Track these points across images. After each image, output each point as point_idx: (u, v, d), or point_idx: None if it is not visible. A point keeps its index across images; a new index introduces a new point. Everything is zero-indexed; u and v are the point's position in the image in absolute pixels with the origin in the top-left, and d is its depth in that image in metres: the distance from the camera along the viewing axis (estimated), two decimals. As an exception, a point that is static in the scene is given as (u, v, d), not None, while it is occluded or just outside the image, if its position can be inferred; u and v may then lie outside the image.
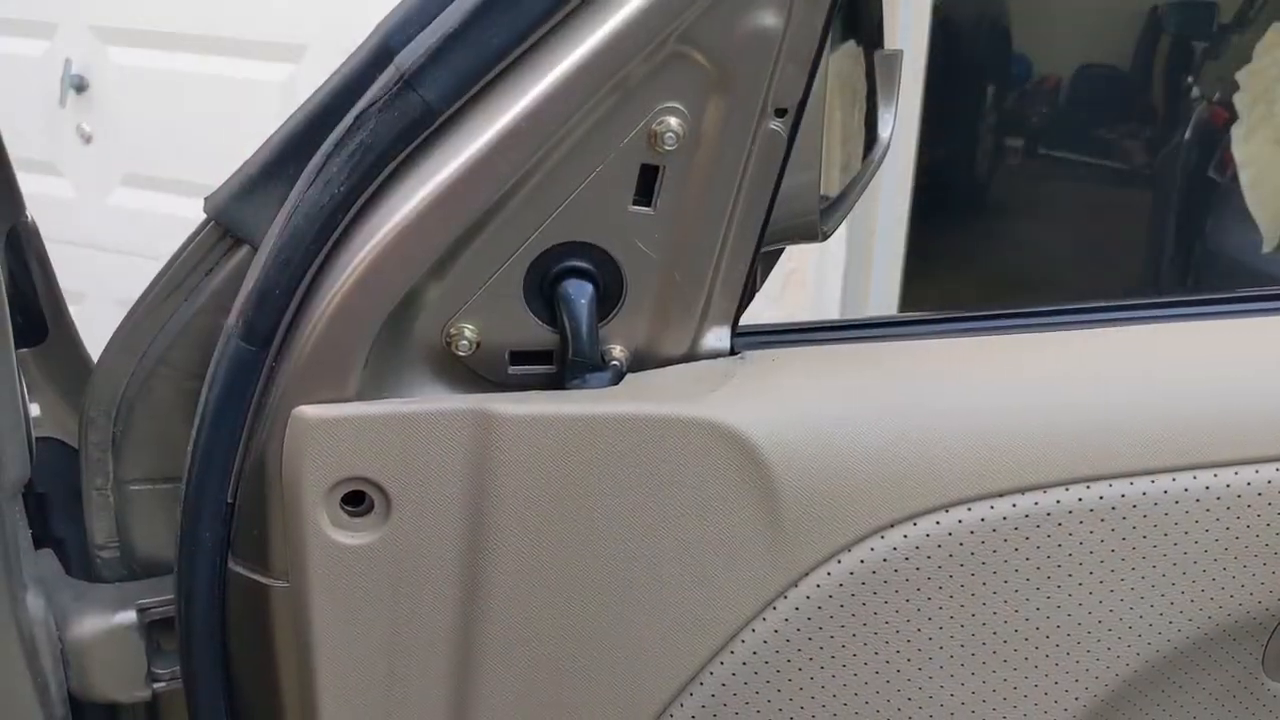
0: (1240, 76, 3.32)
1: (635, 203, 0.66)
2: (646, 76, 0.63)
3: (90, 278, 2.93)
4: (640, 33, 0.61)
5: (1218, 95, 3.49)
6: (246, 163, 0.67)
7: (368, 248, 0.63)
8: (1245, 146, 3.14)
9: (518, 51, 0.61)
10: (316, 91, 0.65)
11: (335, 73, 0.65)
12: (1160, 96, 5.76)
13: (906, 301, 2.97)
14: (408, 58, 0.62)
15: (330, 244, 0.64)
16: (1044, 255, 5.19)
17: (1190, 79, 4.55)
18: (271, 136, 0.66)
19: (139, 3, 2.81)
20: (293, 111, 0.66)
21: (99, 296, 2.96)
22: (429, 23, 0.62)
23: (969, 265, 4.97)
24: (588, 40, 0.61)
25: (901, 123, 2.67)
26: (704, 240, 0.68)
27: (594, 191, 0.65)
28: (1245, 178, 3.09)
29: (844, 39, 0.83)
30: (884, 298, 2.84)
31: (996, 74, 5.85)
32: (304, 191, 0.64)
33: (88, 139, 2.96)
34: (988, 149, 5.93)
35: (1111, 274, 4.68)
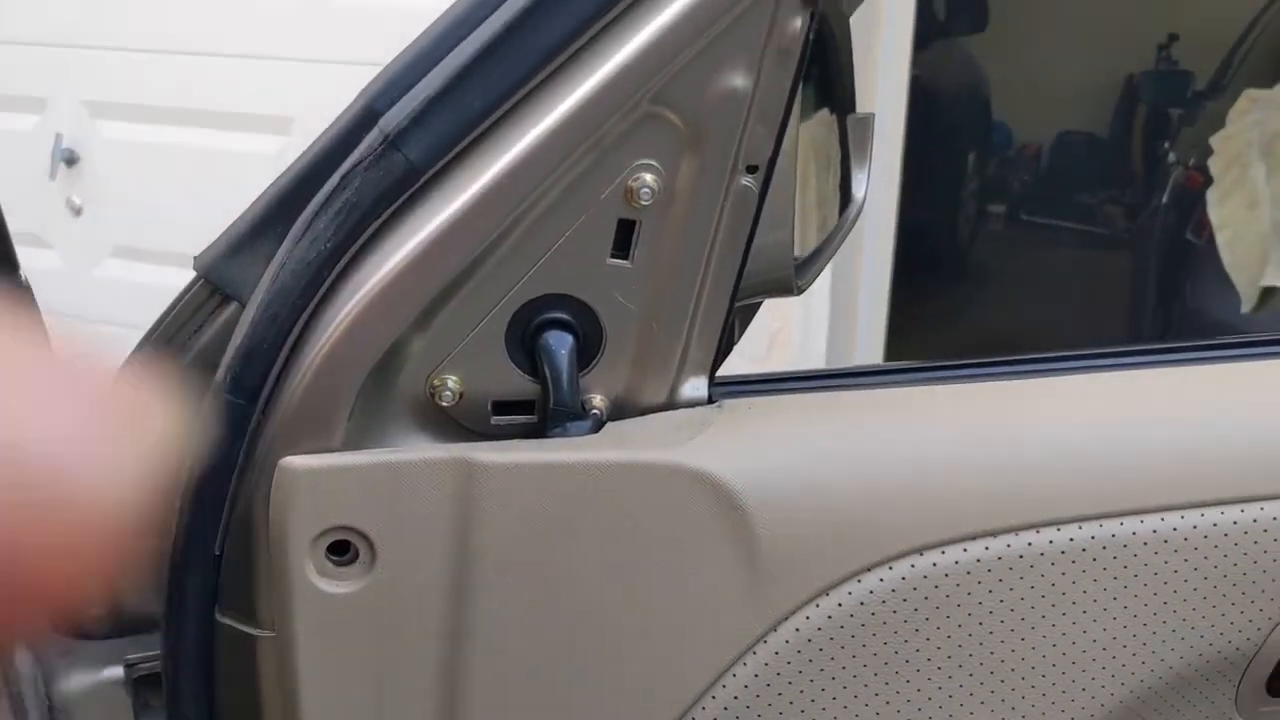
0: (1214, 141, 3.39)
1: (613, 256, 0.68)
2: (622, 135, 0.65)
3: (79, 349, 2.94)
4: (615, 94, 0.63)
5: (1193, 160, 3.55)
6: (235, 222, 0.69)
7: (353, 302, 0.65)
8: (1220, 210, 3.20)
9: (498, 113, 0.64)
10: (304, 153, 0.67)
11: (322, 135, 0.67)
12: (1139, 162, 5.85)
13: (891, 361, 2.99)
14: (392, 120, 0.64)
15: (317, 299, 0.66)
16: (1027, 317, 5.23)
17: (1167, 145, 4.63)
18: (260, 196, 0.68)
19: (129, 77, 2.86)
20: (281, 172, 0.68)
21: (87, 367, 2.97)
22: (412, 86, 0.65)
23: (952, 327, 5.01)
24: (565, 101, 0.63)
25: (882, 191, 2.72)
26: (680, 291, 0.70)
27: (573, 245, 0.67)
28: (1221, 240, 3.14)
29: (817, 108, 0.86)
30: (869, 358, 2.87)
31: (976, 142, 5.93)
32: (291, 249, 0.66)
33: (77, 211, 2.99)
34: (969, 215, 6.00)
35: (1094, 333, 4.72)
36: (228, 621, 0.70)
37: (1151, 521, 0.71)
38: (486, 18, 0.64)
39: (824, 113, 0.87)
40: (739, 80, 0.65)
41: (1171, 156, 4.02)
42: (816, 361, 2.67)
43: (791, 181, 0.74)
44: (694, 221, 0.68)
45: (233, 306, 0.70)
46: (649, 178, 0.66)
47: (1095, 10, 5.92)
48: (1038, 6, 6.08)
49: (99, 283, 3.01)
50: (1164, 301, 3.59)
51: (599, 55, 0.63)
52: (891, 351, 3.00)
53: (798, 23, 0.64)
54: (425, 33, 0.66)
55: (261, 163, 2.71)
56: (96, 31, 2.88)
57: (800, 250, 0.79)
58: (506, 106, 0.64)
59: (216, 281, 0.70)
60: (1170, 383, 0.77)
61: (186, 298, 0.71)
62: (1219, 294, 3.27)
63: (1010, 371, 0.76)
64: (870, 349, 2.87)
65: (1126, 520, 0.71)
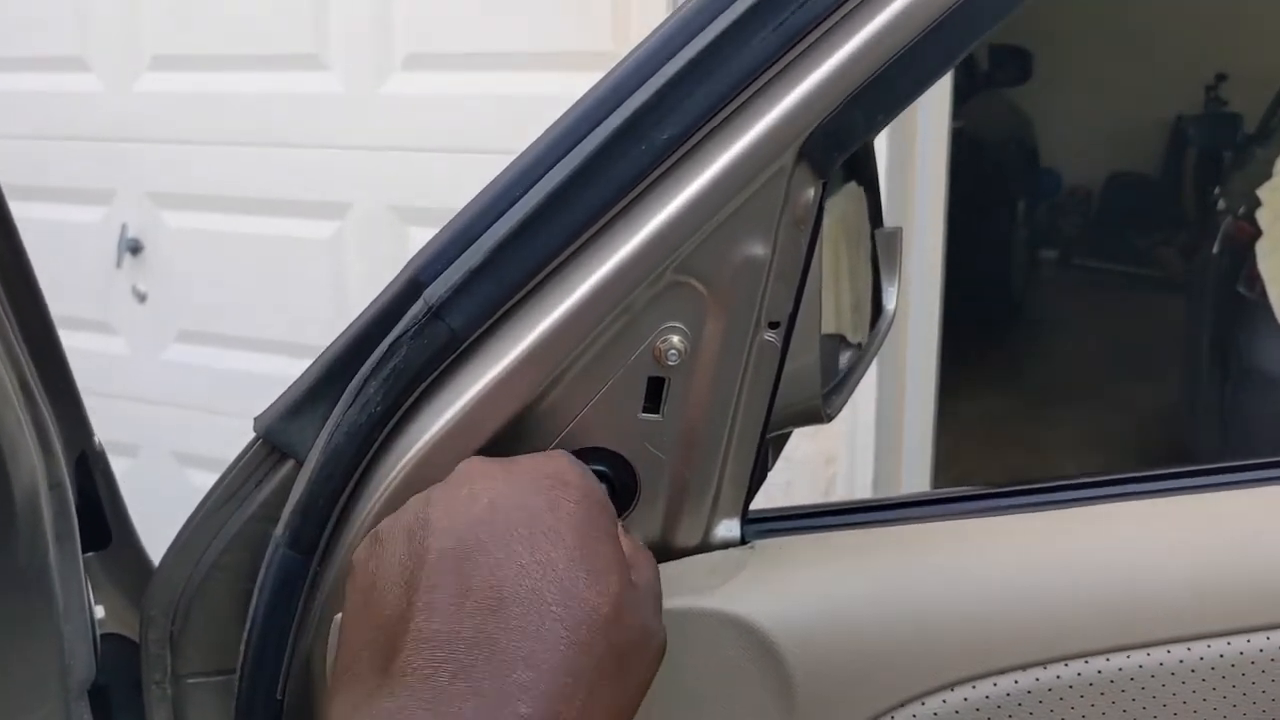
0: (1261, 193, 3.37)
1: (645, 410, 0.72)
2: (649, 302, 0.69)
3: (144, 432, 3.02)
4: (642, 265, 0.67)
5: (1242, 210, 3.53)
6: (292, 386, 0.73)
7: (403, 462, 0.69)
8: (1270, 262, 3.18)
9: (533, 283, 0.68)
10: (353, 322, 0.72)
11: (370, 305, 0.71)
12: (1190, 210, 5.80)
13: (942, 428, 3.00)
14: (435, 291, 0.69)
15: (368, 459, 0.70)
16: (1078, 367, 5.20)
17: (1217, 190, 4.61)
18: (314, 363, 0.73)
19: (191, 169, 2.96)
20: (333, 339, 0.72)
21: (153, 449, 3.05)
22: (454, 260, 0.69)
23: (1003, 382, 4.99)
24: (596, 273, 0.67)
25: (927, 242, 2.73)
26: (710, 441, 0.73)
27: (606, 402, 0.71)
28: (1272, 293, 3.12)
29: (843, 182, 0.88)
30: (918, 426, 2.87)
31: (1022, 191, 5.92)
32: (344, 412, 0.70)
33: (142, 298, 3.09)
34: (1020, 264, 5.98)
35: (1147, 387, 4.69)
36: (291, 764, 0.74)
37: (1177, 651, 0.72)
38: (520, 198, 0.68)
39: (851, 185, 0.90)
40: (758, 248, 0.68)
41: (1221, 204, 3.99)
42: (867, 427, 2.68)
43: (816, 314, 0.77)
44: (720, 376, 0.71)
45: (290, 465, 0.74)
46: (676, 339, 0.70)
47: (1141, 52, 5.90)
48: (1081, 53, 6.08)
49: (165, 367, 3.10)
50: (1217, 353, 3.55)
51: (626, 230, 0.67)
52: (943, 416, 3.00)
53: (810, 193, 0.68)
54: (462, 212, 0.70)
55: (318, 247, 2.79)
56: (159, 126, 2.99)
57: (834, 329, 0.82)
58: (541, 277, 0.68)
59: (274, 441, 0.74)
60: (1184, 512, 0.78)
61: (247, 456, 0.76)
62: (1272, 347, 3.24)
63: (1030, 504, 0.78)
64: (921, 416, 2.87)
65: (1152, 651, 0.72)
